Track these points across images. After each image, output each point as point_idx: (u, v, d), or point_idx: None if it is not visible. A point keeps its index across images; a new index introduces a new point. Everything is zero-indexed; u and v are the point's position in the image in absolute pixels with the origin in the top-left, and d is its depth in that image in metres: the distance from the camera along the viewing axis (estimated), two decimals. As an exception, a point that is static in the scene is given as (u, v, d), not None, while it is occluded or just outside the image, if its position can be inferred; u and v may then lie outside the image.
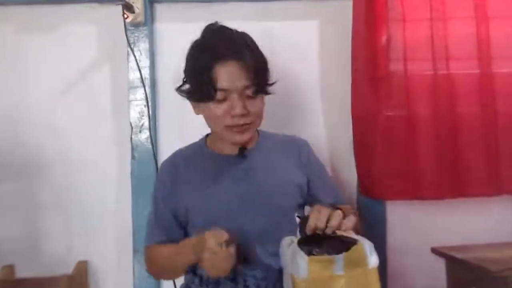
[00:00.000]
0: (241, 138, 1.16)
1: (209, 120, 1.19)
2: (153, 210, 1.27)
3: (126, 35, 1.55)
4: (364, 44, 1.51)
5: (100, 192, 1.61)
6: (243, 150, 1.21)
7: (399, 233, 1.63)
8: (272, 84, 1.20)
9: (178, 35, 1.60)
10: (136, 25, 1.56)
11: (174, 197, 1.22)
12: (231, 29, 1.17)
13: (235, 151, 1.21)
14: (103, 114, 1.63)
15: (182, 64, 1.62)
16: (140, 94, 1.58)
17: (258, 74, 1.13)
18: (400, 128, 1.53)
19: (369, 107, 1.52)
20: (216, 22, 1.19)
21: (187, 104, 1.59)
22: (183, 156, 1.28)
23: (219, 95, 1.11)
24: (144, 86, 1.57)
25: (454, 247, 1.59)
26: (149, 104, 1.57)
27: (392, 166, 1.53)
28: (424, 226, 1.65)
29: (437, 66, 1.54)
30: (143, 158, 1.57)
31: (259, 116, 1.19)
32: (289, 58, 1.62)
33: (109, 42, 1.63)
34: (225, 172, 1.20)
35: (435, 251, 1.61)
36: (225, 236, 1.00)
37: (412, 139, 1.54)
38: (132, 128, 1.58)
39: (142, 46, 1.58)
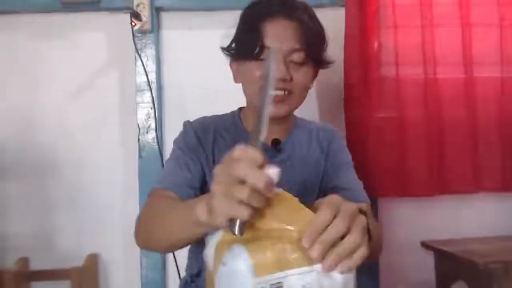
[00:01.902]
0: (275, 110, 0.96)
1: (246, 84, 1.02)
2: (173, 157, 1.03)
3: (134, 42, 1.60)
4: (356, 50, 1.57)
5: (109, 189, 1.65)
6: (277, 143, 1.04)
7: (390, 229, 1.66)
8: (327, 61, 1.04)
9: (182, 41, 1.67)
10: (143, 32, 1.61)
11: (200, 166, 1.00)
12: None
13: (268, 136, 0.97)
14: (112, 116, 1.68)
15: (187, 69, 1.66)
16: (146, 97, 1.62)
17: (311, 39, 0.97)
18: (390, 129, 1.59)
19: (361, 109, 1.57)
20: None
21: (190, 106, 1.66)
22: (215, 126, 1.06)
23: (264, 53, 0.96)
24: (150, 90, 1.61)
25: (442, 241, 1.62)
26: (155, 106, 1.61)
27: (383, 165, 1.58)
28: (414, 222, 1.69)
29: (426, 71, 1.60)
30: (149, 157, 1.61)
31: (303, 88, 1.00)
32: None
33: (117, 48, 1.67)
34: None
35: (424, 245, 1.65)
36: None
37: (402, 139, 1.60)
38: (139, 129, 1.62)
39: (149, 52, 1.62)
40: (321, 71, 1.65)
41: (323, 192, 1.05)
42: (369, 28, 1.57)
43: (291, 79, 0.97)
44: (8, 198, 1.65)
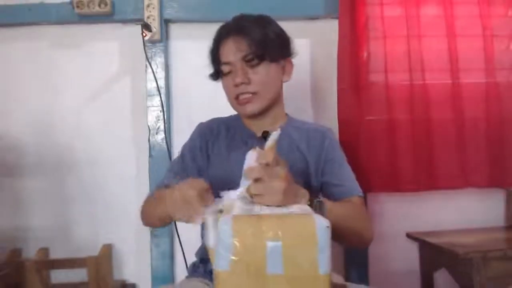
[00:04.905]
0: (249, 108, 1.13)
1: (226, 95, 1.18)
2: (174, 161, 1.25)
3: (145, 51, 1.68)
4: (348, 59, 1.66)
5: (122, 185, 1.74)
6: (265, 134, 1.16)
7: (378, 222, 1.74)
8: (282, 52, 1.15)
9: (189, 50, 1.76)
10: (153, 42, 1.69)
11: (204, 160, 1.18)
12: (251, 15, 1.16)
13: (260, 130, 1.18)
14: (125, 119, 1.76)
15: (193, 75, 1.71)
16: (156, 101, 1.71)
17: (259, 43, 1.09)
18: (380, 130, 1.68)
19: (352, 112, 1.67)
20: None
21: (196, 109, 1.75)
22: (219, 124, 1.24)
23: (224, 68, 1.14)
24: (160, 94, 1.70)
25: (426, 233, 1.71)
26: (164, 109, 1.70)
27: (373, 164, 1.67)
28: (401, 215, 1.77)
29: (413, 77, 1.69)
30: (159, 156, 1.69)
31: (266, 84, 1.13)
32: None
33: (129, 57, 1.75)
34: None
35: (409, 236, 1.74)
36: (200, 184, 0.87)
37: (391, 140, 1.69)
38: (149, 130, 1.71)
39: (158, 60, 1.71)
40: (316, 80, 1.79)
41: (318, 183, 1.16)
42: (359, 38, 1.67)
43: (250, 81, 1.12)
44: (29, 193, 1.75)
